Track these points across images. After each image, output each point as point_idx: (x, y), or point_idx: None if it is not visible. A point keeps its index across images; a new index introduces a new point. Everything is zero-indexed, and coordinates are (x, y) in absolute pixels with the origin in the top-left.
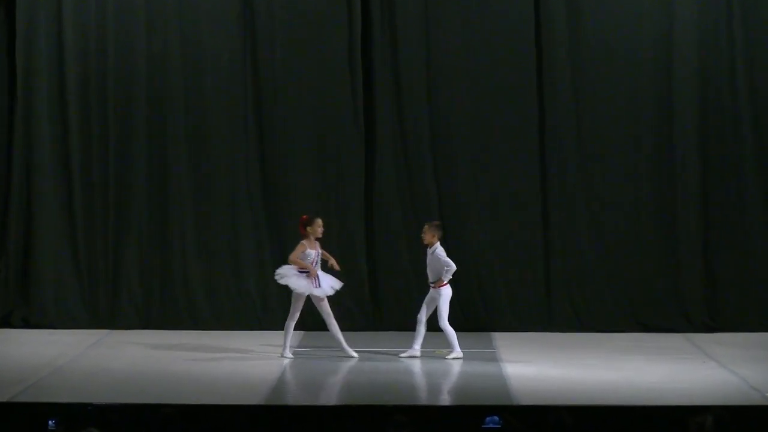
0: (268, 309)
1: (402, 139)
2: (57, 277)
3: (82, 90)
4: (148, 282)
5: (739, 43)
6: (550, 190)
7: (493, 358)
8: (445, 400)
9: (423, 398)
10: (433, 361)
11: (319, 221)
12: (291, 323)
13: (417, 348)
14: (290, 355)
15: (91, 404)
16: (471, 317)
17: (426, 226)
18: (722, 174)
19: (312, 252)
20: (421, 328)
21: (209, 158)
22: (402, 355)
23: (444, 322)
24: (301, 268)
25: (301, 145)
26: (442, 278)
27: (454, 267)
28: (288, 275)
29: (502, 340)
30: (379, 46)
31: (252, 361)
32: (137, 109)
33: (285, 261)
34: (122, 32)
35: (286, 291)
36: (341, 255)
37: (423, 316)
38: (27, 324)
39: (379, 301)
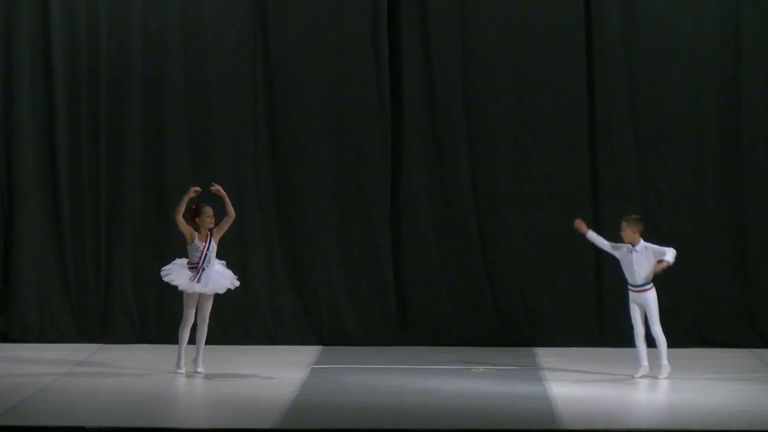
0: (279, 322)
1: (433, 128)
2: (41, 285)
3: (70, 74)
4: (144, 291)
5: None
6: (602, 188)
7: (537, 377)
8: (482, 425)
9: (455, 423)
10: (468, 380)
11: (209, 210)
12: (183, 331)
13: (646, 364)
14: (183, 371)
15: (83, 428)
16: (512, 330)
17: (624, 223)
18: None
19: (200, 244)
20: (642, 342)
21: (213, 152)
22: (636, 375)
23: (659, 327)
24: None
25: (317, 137)
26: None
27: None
28: (172, 270)
29: (546, 356)
30: (407, 20)
31: (263, 380)
32: (132, 95)
33: (298, 268)
34: (115, 7)
35: (300, 302)
36: (363, 262)
37: (642, 329)
38: (6, 338)
39: (407, 314)
